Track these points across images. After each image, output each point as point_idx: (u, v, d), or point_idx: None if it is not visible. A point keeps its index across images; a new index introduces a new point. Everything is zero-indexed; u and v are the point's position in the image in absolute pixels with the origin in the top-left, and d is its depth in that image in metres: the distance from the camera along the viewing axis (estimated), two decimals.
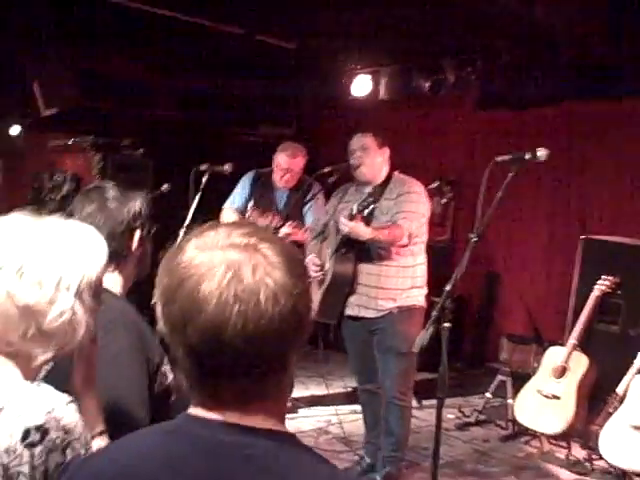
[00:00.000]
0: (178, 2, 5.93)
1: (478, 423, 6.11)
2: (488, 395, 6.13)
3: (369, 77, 7.36)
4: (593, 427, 5.16)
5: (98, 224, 2.16)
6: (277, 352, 1.25)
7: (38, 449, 1.44)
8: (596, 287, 5.60)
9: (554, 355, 5.58)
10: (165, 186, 5.21)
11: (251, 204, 5.70)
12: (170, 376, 2.27)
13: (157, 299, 1.28)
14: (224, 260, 1.22)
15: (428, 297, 4.77)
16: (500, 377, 6.13)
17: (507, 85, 6.85)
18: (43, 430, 1.45)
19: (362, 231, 4.49)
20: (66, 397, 1.53)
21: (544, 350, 5.96)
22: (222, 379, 1.25)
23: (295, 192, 5.67)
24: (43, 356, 1.57)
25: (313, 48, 6.99)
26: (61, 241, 1.60)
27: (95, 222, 2.17)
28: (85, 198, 2.26)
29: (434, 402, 6.26)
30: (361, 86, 7.38)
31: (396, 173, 4.77)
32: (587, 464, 5.22)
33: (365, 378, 4.88)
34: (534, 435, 5.67)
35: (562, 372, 5.46)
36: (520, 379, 6.06)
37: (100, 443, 1.71)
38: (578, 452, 5.36)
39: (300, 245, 5.43)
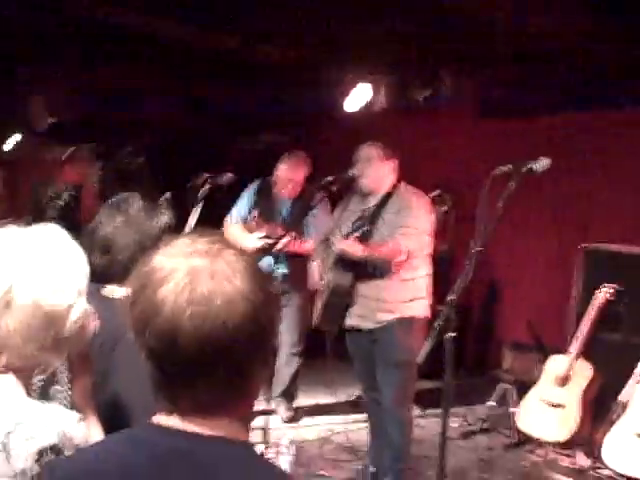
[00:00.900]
0: (177, 14, 5.92)
1: (482, 432, 6.09)
2: (491, 404, 6.10)
3: (367, 87, 7.35)
4: (597, 435, 5.15)
5: (126, 238, 2.17)
6: (232, 359, 1.25)
7: None
8: (598, 295, 5.59)
9: (557, 363, 5.57)
10: (167, 195, 5.19)
11: (255, 214, 5.69)
12: None
13: (127, 303, 1.31)
14: (186, 266, 1.24)
15: (431, 306, 4.77)
16: (503, 385, 6.11)
17: (506, 94, 6.86)
18: (57, 450, 1.46)
19: (354, 251, 4.52)
20: (75, 415, 1.54)
21: (546, 358, 5.95)
22: (179, 384, 1.27)
23: (298, 202, 5.68)
24: (54, 365, 1.62)
25: (311, 60, 6.98)
26: (67, 245, 1.62)
27: (124, 236, 2.18)
28: (113, 210, 2.23)
29: (438, 411, 6.31)
30: (358, 97, 7.37)
31: (402, 184, 4.77)
32: (591, 472, 5.21)
33: (370, 387, 4.86)
34: (538, 443, 5.65)
35: (565, 380, 5.45)
36: (523, 387, 6.06)
37: None
38: (582, 460, 5.35)
39: (300, 255, 5.43)
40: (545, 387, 5.52)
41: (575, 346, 5.49)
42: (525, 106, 7.00)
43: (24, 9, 5.34)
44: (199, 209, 4.99)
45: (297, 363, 6.00)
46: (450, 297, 3.35)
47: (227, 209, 5.90)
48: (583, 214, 7.17)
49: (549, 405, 5.43)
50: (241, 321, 1.23)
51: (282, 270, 5.51)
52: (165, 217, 2.25)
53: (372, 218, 4.67)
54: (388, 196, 4.71)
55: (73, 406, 1.79)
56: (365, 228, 4.54)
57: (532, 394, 5.57)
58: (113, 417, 1.90)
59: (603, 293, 5.57)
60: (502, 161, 3.82)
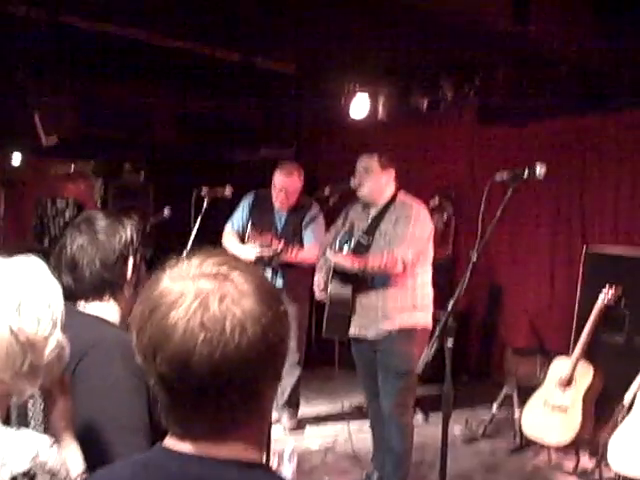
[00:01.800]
0: (176, 28, 5.98)
1: (485, 436, 6.11)
2: (495, 408, 6.12)
3: (367, 96, 7.39)
4: (601, 437, 5.17)
5: (90, 256, 2.21)
6: (246, 381, 1.25)
7: None
8: (600, 298, 5.62)
9: (560, 366, 5.59)
10: (166, 211, 5.25)
11: (250, 226, 5.73)
12: None
13: (132, 328, 1.31)
14: (194, 289, 1.24)
15: (433, 314, 4.80)
16: (506, 390, 6.13)
17: (505, 101, 6.89)
18: (30, 476, 1.44)
19: (347, 265, 4.57)
20: (48, 439, 1.54)
21: (549, 361, 5.98)
22: (191, 409, 1.26)
23: (294, 213, 5.71)
24: (27, 393, 1.59)
25: (312, 69, 7.03)
26: (43, 278, 1.63)
27: (87, 254, 2.21)
28: (74, 230, 2.25)
29: (441, 416, 6.34)
30: (360, 107, 7.41)
31: (400, 194, 4.81)
32: (596, 474, 5.21)
33: (373, 395, 4.90)
34: (542, 447, 5.67)
35: (568, 383, 5.48)
36: (526, 391, 6.08)
37: None
38: (586, 462, 5.37)
39: (295, 265, 5.44)
40: (549, 390, 5.55)
41: (578, 349, 5.52)
42: (524, 112, 7.04)
43: (25, 24, 5.41)
44: (200, 221, 5.05)
45: (298, 372, 6.03)
46: (449, 304, 3.39)
47: (228, 221, 5.94)
48: (584, 217, 7.20)
49: (552, 408, 5.45)
50: (253, 343, 1.23)
51: (278, 281, 5.54)
52: (128, 231, 2.27)
53: (370, 229, 4.72)
54: (387, 206, 4.75)
55: (47, 431, 1.80)
56: (351, 244, 4.63)
57: (536, 397, 5.60)
58: (82, 431, 1.91)
59: (605, 295, 5.60)
60: (503, 167, 3.85)
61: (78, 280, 2.21)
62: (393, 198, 4.78)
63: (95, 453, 1.88)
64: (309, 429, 6.13)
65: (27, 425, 1.86)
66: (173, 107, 7.73)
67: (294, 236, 5.63)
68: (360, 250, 4.66)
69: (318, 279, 4.94)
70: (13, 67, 5.79)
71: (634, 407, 5.02)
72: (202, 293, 1.23)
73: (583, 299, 6.02)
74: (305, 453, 5.36)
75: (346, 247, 4.56)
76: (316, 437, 5.98)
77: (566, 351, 5.91)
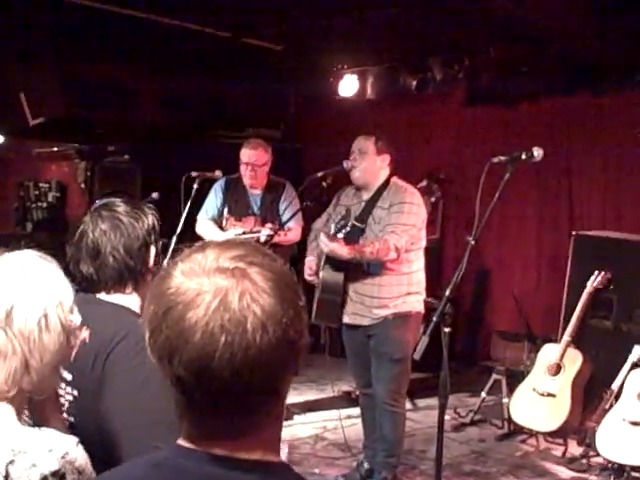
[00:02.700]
0: (162, 6, 5.87)
1: (473, 423, 6.09)
2: (483, 395, 6.10)
3: (355, 77, 7.33)
4: (589, 424, 5.17)
5: (113, 242, 2.14)
6: (268, 382, 1.20)
7: None
8: (589, 283, 5.61)
9: (548, 353, 5.59)
10: (155, 194, 5.16)
11: (226, 211, 5.64)
12: None
13: (144, 327, 1.24)
14: (211, 287, 1.16)
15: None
16: (495, 376, 6.10)
17: (494, 82, 6.85)
18: (60, 475, 1.45)
19: (341, 253, 4.50)
20: (73, 438, 1.53)
21: (537, 347, 5.97)
22: (209, 411, 1.21)
23: (268, 193, 5.62)
24: (55, 387, 1.62)
25: (299, 49, 6.94)
26: (52, 275, 1.60)
27: (111, 240, 2.14)
28: (96, 216, 2.18)
29: (428, 403, 6.34)
30: (348, 86, 7.35)
31: (394, 179, 4.74)
32: (584, 461, 5.22)
33: (364, 382, 4.85)
34: (530, 433, 5.67)
35: (557, 369, 5.47)
36: (513, 376, 6.07)
37: None
38: (575, 449, 5.37)
39: (279, 246, 5.34)
40: (537, 376, 5.54)
41: (567, 334, 5.51)
42: (513, 93, 7.00)
43: (10, 3, 5.29)
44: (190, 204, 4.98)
45: None
46: (446, 292, 3.34)
47: None
48: (571, 201, 7.18)
49: (541, 394, 5.44)
50: (274, 344, 1.17)
51: None
52: (150, 218, 2.20)
53: (363, 214, 4.65)
54: (380, 191, 4.68)
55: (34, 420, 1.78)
56: (347, 228, 4.52)
57: (524, 384, 5.59)
58: (115, 424, 1.89)
59: (594, 280, 5.59)
60: (490, 149, 3.81)
61: (100, 268, 2.13)
62: (386, 182, 4.71)
63: (131, 447, 1.85)
64: (298, 418, 6.07)
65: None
66: (159, 87, 7.61)
67: (272, 216, 5.55)
68: (353, 236, 4.59)
69: (309, 262, 4.87)
70: None
71: (622, 393, 5.03)
72: (221, 291, 1.16)
73: (571, 283, 5.99)
74: (294, 442, 5.31)
75: (342, 232, 4.47)
76: (305, 425, 5.93)
77: (553, 335, 5.91)
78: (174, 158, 6.84)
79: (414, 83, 6.99)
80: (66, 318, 1.55)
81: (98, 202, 2.28)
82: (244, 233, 5.37)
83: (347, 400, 6.31)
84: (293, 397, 6.33)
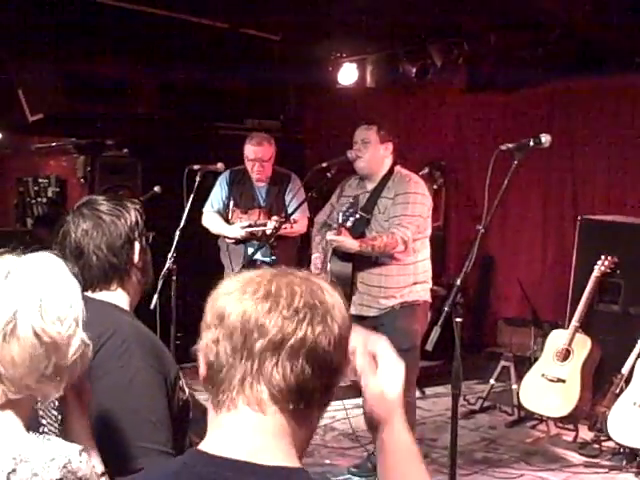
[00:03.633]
0: None
1: (483, 410, 6.08)
2: (492, 381, 6.08)
3: (355, 66, 7.27)
4: (599, 408, 5.15)
5: (96, 241, 2.13)
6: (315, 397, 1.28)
7: None
8: (596, 267, 5.57)
9: (557, 338, 5.57)
10: (157, 188, 5.12)
11: (232, 204, 5.61)
12: (186, 391, 2.20)
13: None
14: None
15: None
16: (503, 362, 6.08)
17: (494, 67, 6.79)
18: None
19: (349, 244, 4.46)
20: (77, 447, 1.50)
21: (543, 332, 5.95)
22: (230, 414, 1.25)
23: (273, 185, 5.60)
24: (53, 396, 1.55)
25: (297, 39, 6.89)
26: (66, 276, 1.57)
27: (93, 239, 2.13)
28: (78, 215, 2.17)
29: (436, 391, 6.30)
30: (347, 75, 7.30)
31: (397, 168, 4.70)
32: (595, 445, 5.20)
33: None
34: (540, 419, 5.65)
35: (566, 355, 5.45)
36: (520, 362, 6.05)
37: None
38: (585, 434, 5.34)
39: (284, 238, 5.30)
40: (546, 362, 5.52)
41: (575, 320, 5.48)
42: (513, 79, 6.94)
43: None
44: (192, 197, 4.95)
45: None
46: (457, 281, 3.31)
47: None
48: (575, 185, 7.13)
49: (550, 380, 5.42)
50: (325, 367, 1.26)
51: (266, 259, 5.39)
52: (133, 214, 2.19)
53: (368, 204, 4.61)
54: (384, 180, 4.64)
55: (62, 432, 1.77)
56: (357, 216, 4.48)
57: (533, 370, 5.56)
58: (101, 424, 1.86)
59: (601, 264, 5.55)
60: (492, 135, 3.77)
61: (85, 268, 2.13)
62: (390, 171, 4.67)
63: (118, 448, 1.85)
64: None
65: (38, 428, 1.77)
66: (157, 80, 7.55)
67: (278, 208, 5.52)
68: (359, 226, 4.56)
69: (315, 260, 4.85)
70: None
71: (633, 377, 5.00)
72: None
73: (578, 268, 5.95)
74: None
75: (350, 221, 4.43)
76: None
77: (560, 321, 5.88)
78: (174, 151, 6.79)
79: (414, 70, 6.92)
80: (43, 327, 1.47)
81: (80, 201, 2.26)
82: (250, 226, 5.34)
83: (355, 390, 6.26)
84: None
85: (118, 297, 2.16)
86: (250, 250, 5.31)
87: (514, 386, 5.88)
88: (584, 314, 5.49)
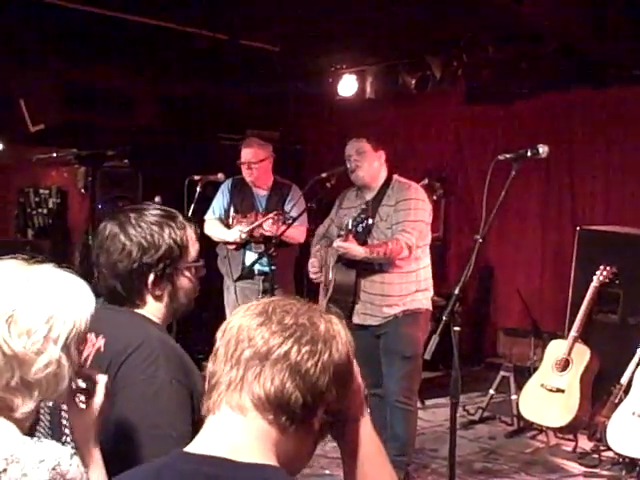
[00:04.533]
0: (159, 9, 5.85)
1: (483, 420, 6.08)
2: (492, 392, 6.09)
3: (354, 77, 7.31)
4: (599, 418, 5.15)
5: (101, 259, 2.10)
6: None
7: None
8: (594, 278, 5.58)
9: (556, 348, 5.57)
10: (157, 198, 5.15)
11: (232, 211, 5.62)
12: None
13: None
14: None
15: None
16: (503, 373, 6.09)
17: (494, 79, 6.83)
18: None
19: (356, 251, 4.49)
20: (69, 450, 1.51)
21: (543, 343, 5.95)
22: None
23: (274, 194, 5.62)
24: (23, 408, 1.52)
25: (297, 50, 6.92)
26: (52, 291, 1.56)
27: (101, 256, 2.10)
28: (101, 230, 2.14)
29: (436, 401, 6.30)
30: (347, 86, 7.34)
31: (395, 176, 4.75)
32: (595, 455, 5.20)
33: (373, 382, 4.82)
34: (540, 430, 5.66)
35: (565, 365, 5.45)
36: (520, 373, 6.06)
37: None
38: (585, 444, 5.34)
39: (285, 244, 5.29)
40: (545, 373, 5.52)
41: (574, 330, 5.49)
42: (512, 90, 6.98)
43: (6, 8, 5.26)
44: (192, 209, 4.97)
45: None
46: (455, 291, 3.32)
47: None
48: (574, 196, 7.16)
49: (550, 390, 5.43)
50: (309, 387, 1.32)
51: (265, 268, 5.39)
52: (147, 239, 2.10)
53: (370, 213, 4.64)
54: (383, 189, 4.68)
55: (59, 440, 1.78)
56: (367, 222, 4.52)
57: (533, 380, 5.57)
58: (120, 435, 1.87)
59: (600, 274, 5.57)
60: (491, 147, 3.80)
61: (99, 282, 2.11)
62: (388, 180, 4.71)
63: (135, 461, 1.80)
64: None
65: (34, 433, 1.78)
66: (157, 91, 7.59)
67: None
68: (361, 234, 4.59)
69: (311, 262, 4.88)
70: None
71: (632, 387, 5.01)
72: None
73: (577, 278, 5.97)
74: None
75: (361, 227, 4.46)
76: None
77: (560, 331, 5.89)
78: (174, 161, 6.82)
79: (413, 82, 6.96)
80: (6, 338, 1.47)
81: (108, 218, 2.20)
82: (249, 230, 5.34)
83: None
84: None
85: (148, 310, 2.12)
86: (249, 257, 5.31)
87: (513, 396, 5.89)
88: (583, 324, 5.50)
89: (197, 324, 4.92)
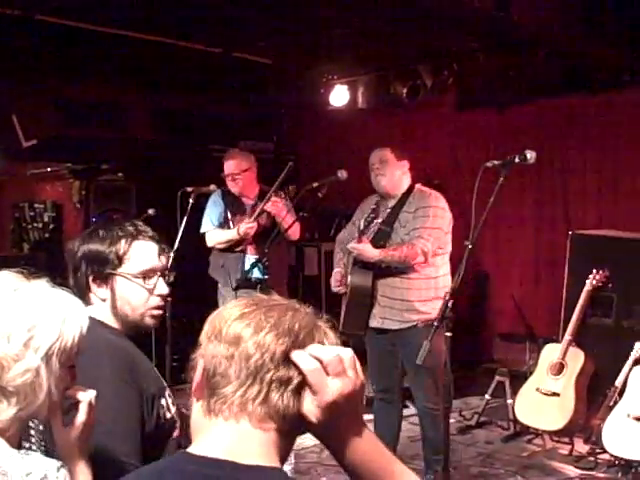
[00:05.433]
0: (152, 23, 5.89)
1: (479, 425, 6.10)
2: (487, 397, 6.12)
3: (346, 87, 7.36)
4: (594, 421, 5.18)
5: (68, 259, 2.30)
6: None
7: None
8: (587, 282, 5.62)
9: (550, 352, 5.60)
10: (151, 211, 5.18)
11: (230, 215, 5.65)
12: (172, 410, 2.23)
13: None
14: None
15: None
16: (498, 378, 6.12)
17: (484, 86, 6.88)
18: None
19: (370, 253, 4.53)
20: (56, 462, 1.52)
21: (538, 347, 5.98)
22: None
23: (261, 201, 5.63)
24: (9, 414, 1.53)
25: (289, 62, 6.97)
26: (39, 302, 1.57)
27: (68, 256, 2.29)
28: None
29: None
30: (339, 97, 7.39)
31: (418, 185, 4.81)
32: (591, 458, 5.22)
33: (383, 388, 4.88)
34: (536, 433, 5.68)
35: (560, 369, 5.48)
36: (516, 377, 6.08)
37: None
38: (581, 447, 5.36)
39: (274, 252, 5.27)
40: (540, 377, 5.55)
41: (568, 334, 5.52)
42: (505, 96, 7.02)
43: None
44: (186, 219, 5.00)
45: None
46: (447, 297, 3.36)
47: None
48: (567, 200, 7.20)
49: (545, 394, 5.45)
50: None
51: (257, 275, 5.40)
52: (95, 247, 2.27)
53: (390, 218, 4.69)
54: (405, 197, 4.74)
55: (48, 450, 1.79)
56: (379, 220, 4.58)
57: (528, 384, 5.59)
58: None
59: (593, 278, 5.60)
60: (484, 153, 3.84)
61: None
62: (410, 189, 4.77)
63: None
64: None
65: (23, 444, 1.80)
66: (150, 104, 7.63)
67: (267, 217, 5.53)
68: (380, 239, 4.63)
69: (335, 274, 4.92)
70: None
71: (626, 389, 5.04)
72: None
73: (570, 283, 6.00)
74: (300, 451, 5.29)
75: (373, 225, 4.54)
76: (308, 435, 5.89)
77: (554, 335, 5.91)
78: (168, 174, 6.85)
79: (404, 91, 7.01)
80: None
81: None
82: (254, 220, 5.35)
83: None
84: None
85: (101, 311, 2.23)
86: (248, 263, 5.33)
87: (509, 401, 5.91)
88: (577, 328, 5.53)
89: (194, 337, 4.93)
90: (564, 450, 5.47)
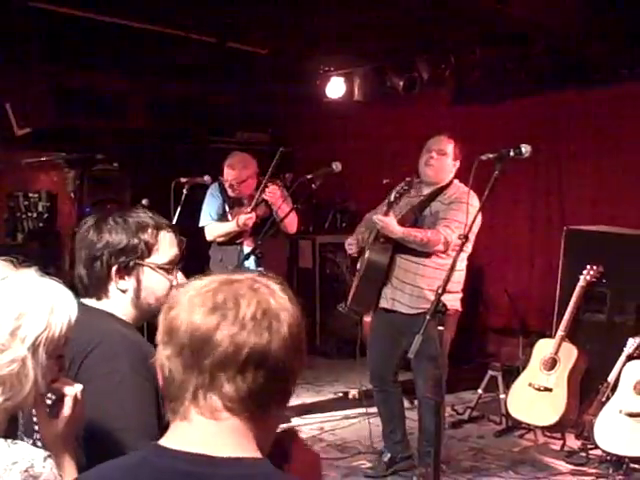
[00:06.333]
0: (147, 13, 5.87)
1: (471, 420, 6.09)
2: (480, 391, 6.12)
3: (342, 79, 7.34)
4: (586, 417, 5.18)
5: (80, 251, 2.17)
6: None
7: None
8: (581, 277, 5.61)
9: (543, 347, 5.60)
10: (144, 201, 5.17)
11: (227, 208, 5.63)
12: None
13: None
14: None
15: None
16: (491, 372, 6.12)
17: (481, 80, 6.86)
18: None
19: (393, 227, 4.53)
20: (43, 452, 1.51)
21: (531, 342, 5.98)
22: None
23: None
24: None
25: (285, 53, 6.95)
26: (27, 292, 1.56)
27: (79, 247, 2.18)
28: (81, 225, 2.24)
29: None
30: (335, 88, 7.37)
31: (456, 181, 4.82)
32: (583, 454, 5.22)
33: (377, 376, 4.88)
34: (528, 428, 5.68)
35: (552, 364, 5.48)
36: (509, 372, 6.08)
37: None
38: (573, 443, 5.36)
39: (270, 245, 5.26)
40: (533, 372, 5.55)
41: (561, 329, 5.52)
42: (501, 90, 7.01)
43: None
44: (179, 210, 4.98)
45: None
46: (438, 290, 3.36)
47: None
48: (562, 196, 7.19)
49: (537, 389, 5.45)
50: (279, 372, 1.30)
51: (252, 267, 5.37)
52: (118, 237, 2.17)
53: (421, 205, 4.71)
54: (442, 189, 4.76)
55: (36, 439, 1.78)
56: (411, 192, 4.67)
57: (521, 379, 5.59)
58: (87, 435, 1.86)
59: (587, 274, 5.60)
60: (480, 147, 3.84)
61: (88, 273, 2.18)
62: (449, 183, 4.79)
63: (99, 455, 1.82)
64: (294, 420, 6.05)
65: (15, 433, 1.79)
66: (145, 94, 7.60)
67: (265, 208, 5.52)
68: (407, 222, 4.64)
69: (350, 240, 4.91)
70: None
71: (618, 385, 5.04)
72: None
73: (564, 278, 6.00)
74: None
75: (404, 197, 4.58)
76: (303, 428, 5.89)
77: (547, 330, 5.91)
78: (163, 164, 6.84)
79: (401, 83, 6.99)
80: None
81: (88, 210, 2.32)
82: (252, 210, 5.33)
83: (343, 401, 6.34)
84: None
85: (113, 305, 2.16)
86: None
87: (502, 396, 5.91)
88: (570, 323, 5.53)
89: None
90: (556, 445, 5.47)
